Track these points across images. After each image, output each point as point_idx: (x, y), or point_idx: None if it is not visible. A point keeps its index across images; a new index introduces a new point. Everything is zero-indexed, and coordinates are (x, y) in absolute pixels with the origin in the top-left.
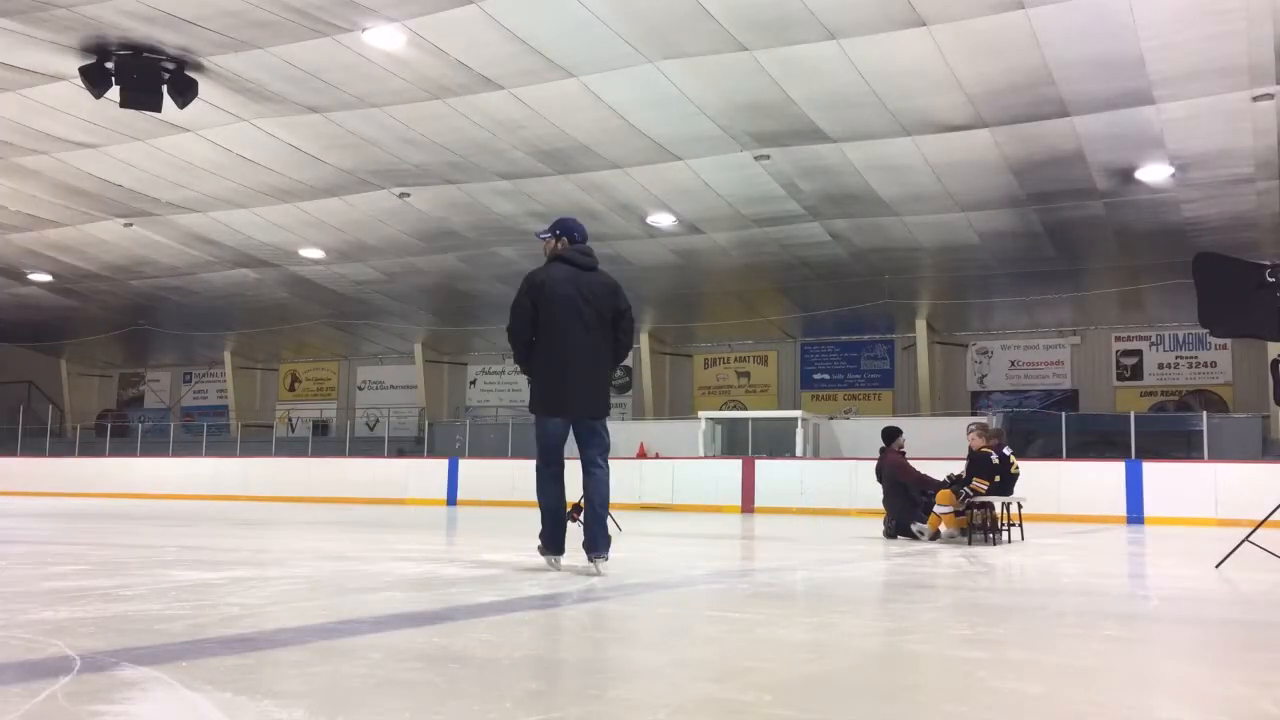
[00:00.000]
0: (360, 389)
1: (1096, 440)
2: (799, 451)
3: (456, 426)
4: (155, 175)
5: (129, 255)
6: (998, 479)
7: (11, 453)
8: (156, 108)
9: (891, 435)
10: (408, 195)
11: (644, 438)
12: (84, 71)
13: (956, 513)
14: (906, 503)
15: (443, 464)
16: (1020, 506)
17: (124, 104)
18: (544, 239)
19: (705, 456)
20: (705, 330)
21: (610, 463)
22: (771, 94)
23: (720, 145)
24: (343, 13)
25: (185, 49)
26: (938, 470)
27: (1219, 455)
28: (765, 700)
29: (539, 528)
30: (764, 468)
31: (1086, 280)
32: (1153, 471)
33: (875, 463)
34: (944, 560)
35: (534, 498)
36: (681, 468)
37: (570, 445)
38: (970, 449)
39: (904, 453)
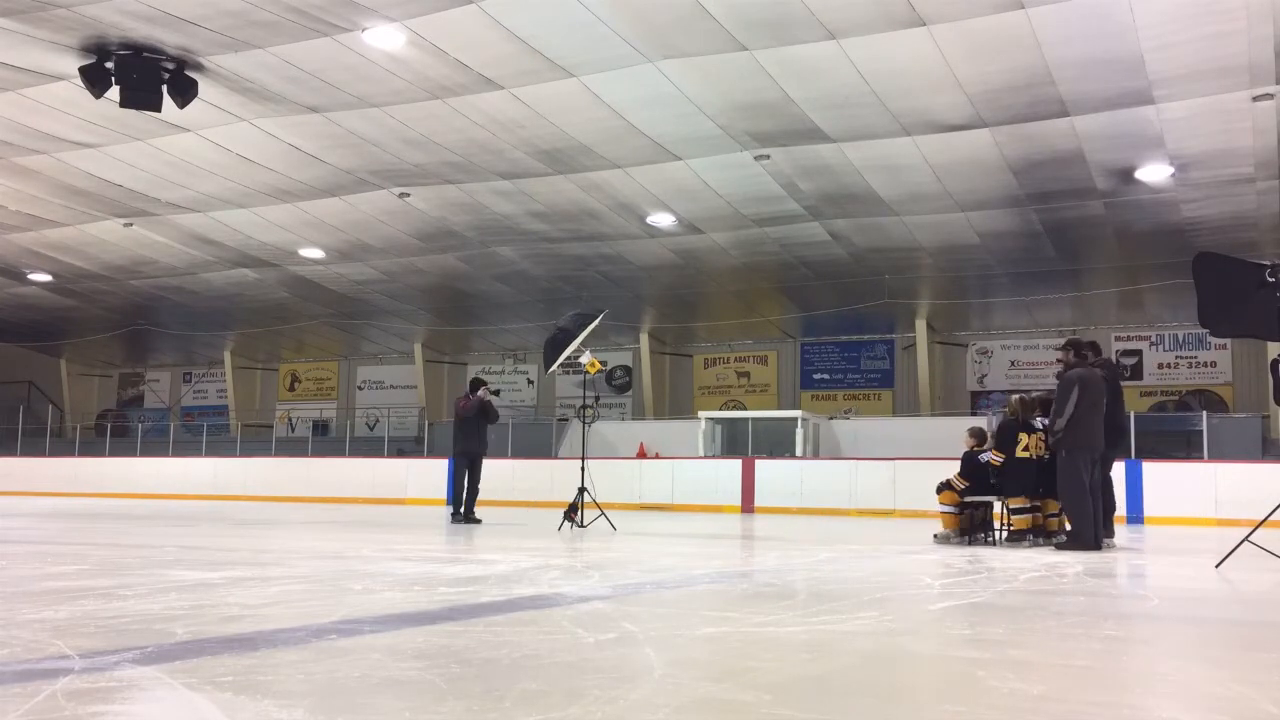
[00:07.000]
0: (360, 389)
1: None
2: (799, 451)
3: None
4: (155, 175)
5: (129, 255)
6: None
7: (11, 453)
8: (156, 108)
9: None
10: (408, 195)
11: (644, 438)
12: (84, 71)
13: (957, 513)
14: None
15: (443, 464)
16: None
17: (124, 104)
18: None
19: (705, 456)
20: (705, 330)
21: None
22: (771, 94)
23: (720, 145)
24: (343, 13)
25: (185, 49)
26: (937, 471)
27: (1219, 455)
28: (765, 700)
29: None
30: (764, 468)
31: (1086, 280)
32: (1152, 471)
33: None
34: (943, 560)
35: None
36: (681, 468)
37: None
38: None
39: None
